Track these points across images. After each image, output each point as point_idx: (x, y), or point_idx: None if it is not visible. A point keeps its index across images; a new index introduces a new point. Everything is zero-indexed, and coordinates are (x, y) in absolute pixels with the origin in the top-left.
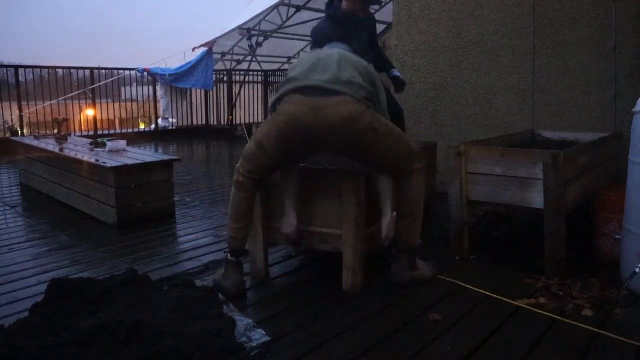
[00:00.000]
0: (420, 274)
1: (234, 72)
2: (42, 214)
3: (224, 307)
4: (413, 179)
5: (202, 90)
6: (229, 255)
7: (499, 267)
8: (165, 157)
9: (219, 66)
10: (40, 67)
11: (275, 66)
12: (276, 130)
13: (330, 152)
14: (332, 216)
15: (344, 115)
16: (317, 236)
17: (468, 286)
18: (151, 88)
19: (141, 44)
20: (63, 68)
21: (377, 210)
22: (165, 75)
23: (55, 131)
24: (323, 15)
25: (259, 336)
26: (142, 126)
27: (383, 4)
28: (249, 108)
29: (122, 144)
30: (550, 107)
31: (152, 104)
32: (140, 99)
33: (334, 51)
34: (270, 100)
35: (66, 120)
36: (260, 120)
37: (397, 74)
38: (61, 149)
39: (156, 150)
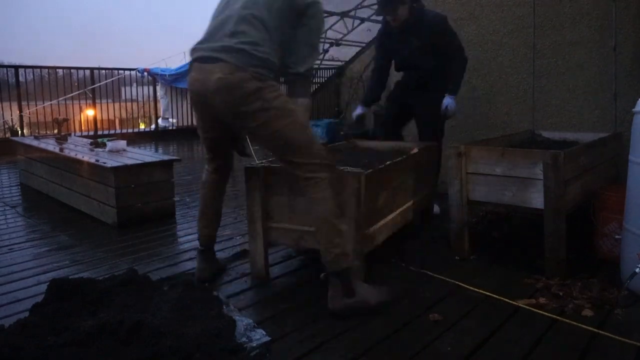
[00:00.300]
0: (359, 301)
1: None
2: (42, 214)
3: (224, 307)
4: (315, 191)
5: None
6: (199, 246)
7: (499, 267)
8: (165, 157)
9: None
10: (40, 67)
11: None
12: (191, 101)
13: (232, 125)
14: None
15: (223, 80)
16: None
17: (468, 286)
18: (151, 88)
19: (141, 44)
20: (63, 68)
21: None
22: (165, 75)
23: (55, 131)
24: (323, 14)
25: (259, 336)
26: (142, 126)
27: None
28: None
29: (122, 144)
30: (550, 107)
31: (152, 104)
32: (140, 99)
33: (229, 6)
34: None
35: (66, 120)
36: None
37: (448, 102)
38: (61, 149)
39: (156, 150)
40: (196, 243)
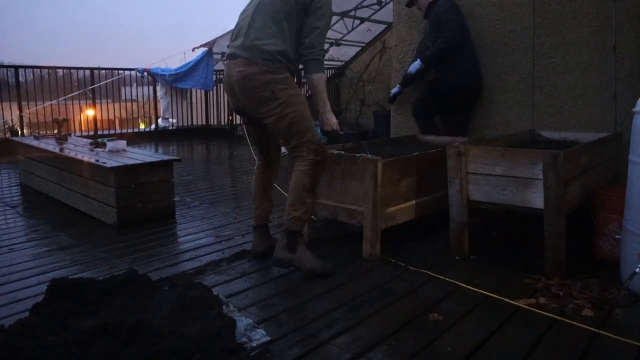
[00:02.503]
0: (297, 259)
1: None
2: (42, 214)
3: (224, 307)
4: (298, 165)
5: (202, 90)
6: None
7: (499, 267)
8: (165, 157)
9: (219, 66)
10: (40, 67)
11: None
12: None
13: (248, 110)
14: (358, 196)
15: (241, 73)
16: (346, 211)
17: (468, 286)
18: (151, 88)
19: (141, 44)
20: (63, 68)
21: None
22: (165, 75)
23: (55, 131)
24: None
25: (259, 336)
26: (142, 126)
27: (383, 4)
28: None
29: (122, 144)
30: (550, 107)
31: (152, 104)
32: (140, 99)
33: (250, 9)
34: None
35: (66, 120)
36: None
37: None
38: (61, 149)
39: (156, 150)
40: (196, 243)
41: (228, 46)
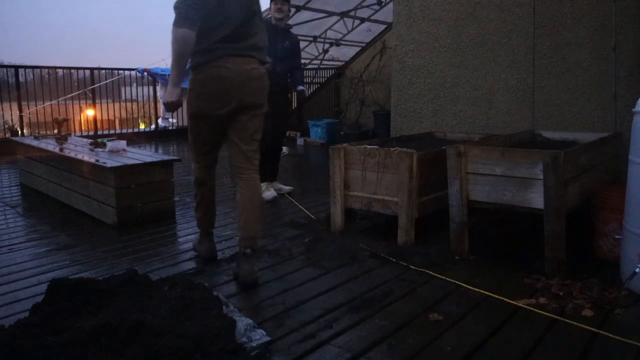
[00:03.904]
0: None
1: None
2: (42, 214)
3: (224, 307)
4: (255, 173)
5: None
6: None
7: (499, 267)
8: (165, 157)
9: None
10: (40, 67)
11: None
12: (217, 90)
13: (247, 109)
14: (393, 187)
15: (259, 71)
16: (380, 202)
17: (468, 286)
18: (151, 88)
19: (142, 44)
20: (63, 68)
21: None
22: (165, 75)
23: (55, 131)
24: (323, 14)
25: (259, 336)
26: (142, 126)
27: (383, 4)
28: None
29: (122, 144)
30: (550, 107)
31: (152, 104)
32: (140, 99)
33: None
34: None
35: (66, 120)
36: None
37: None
38: (61, 149)
39: (156, 150)
40: None
41: (225, 46)
